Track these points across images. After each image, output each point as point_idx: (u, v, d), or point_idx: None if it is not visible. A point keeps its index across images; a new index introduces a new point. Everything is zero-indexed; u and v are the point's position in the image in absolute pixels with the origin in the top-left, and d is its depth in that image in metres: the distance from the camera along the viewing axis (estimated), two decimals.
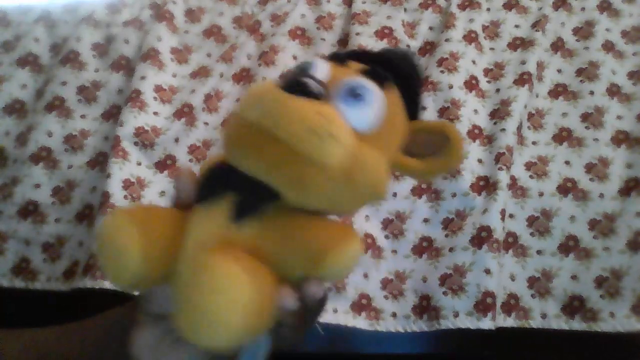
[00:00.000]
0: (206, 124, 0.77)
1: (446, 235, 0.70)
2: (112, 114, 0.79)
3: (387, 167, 0.35)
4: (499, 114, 0.75)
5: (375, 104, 0.34)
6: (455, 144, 0.36)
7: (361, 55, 0.38)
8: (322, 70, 0.34)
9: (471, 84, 0.77)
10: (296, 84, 0.32)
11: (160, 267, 0.32)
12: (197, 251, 0.31)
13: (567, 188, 0.72)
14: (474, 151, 0.73)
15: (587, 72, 0.79)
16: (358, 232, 0.35)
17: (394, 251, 0.70)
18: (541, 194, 0.72)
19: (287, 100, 0.31)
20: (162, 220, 0.34)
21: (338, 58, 0.36)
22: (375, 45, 0.81)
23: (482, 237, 0.66)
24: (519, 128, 0.74)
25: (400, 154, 0.36)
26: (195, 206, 0.34)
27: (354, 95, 0.33)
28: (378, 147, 0.34)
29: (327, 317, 0.65)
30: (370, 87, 0.34)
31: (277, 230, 0.32)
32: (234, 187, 0.33)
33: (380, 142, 0.34)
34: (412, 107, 0.38)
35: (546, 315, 0.66)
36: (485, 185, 0.71)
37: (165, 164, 0.75)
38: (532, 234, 0.70)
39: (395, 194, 0.72)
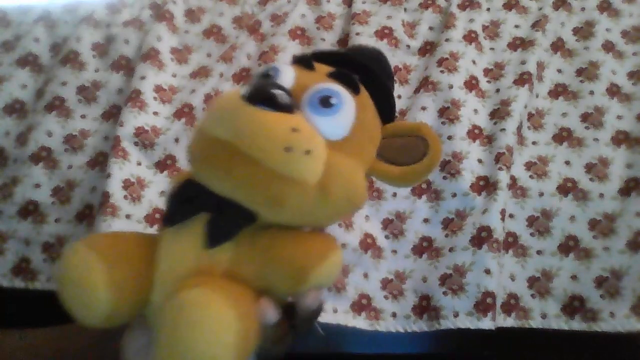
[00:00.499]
0: None
1: (446, 235, 0.70)
2: (112, 114, 0.79)
3: (362, 174, 0.34)
4: (499, 114, 0.75)
5: (347, 111, 0.32)
6: (433, 147, 0.34)
7: (326, 56, 0.36)
8: (287, 76, 0.32)
9: (471, 84, 0.77)
10: (263, 94, 0.30)
11: (131, 303, 0.31)
12: (173, 284, 0.29)
13: (567, 188, 0.72)
14: (474, 151, 0.73)
15: (587, 72, 0.79)
16: (334, 238, 0.34)
17: (394, 251, 0.70)
18: (541, 194, 0.72)
19: (257, 116, 0.29)
20: (129, 249, 0.32)
21: (303, 61, 0.34)
22: (376, 45, 0.81)
23: (482, 237, 0.66)
24: (519, 128, 0.74)
25: (376, 160, 0.35)
26: (164, 229, 0.32)
27: (325, 103, 0.31)
28: (352, 155, 0.32)
29: (327, 317, 0.65)
30: (341, 93, 0.32)
31: (255, 251, 0.31)
32: (206, 207, 0.31)
33: (354, 149, 0.33)
34: (385, 109, 0.36)
35: (546, 315, 0.66)
36: (485, 185, 0.71)
37: (165, 164, 0.75)
38: (532, 234, 0.70)
39: (395, 194, 0.72)
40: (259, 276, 0.31)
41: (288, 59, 0.80)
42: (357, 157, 0.33)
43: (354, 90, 0.33)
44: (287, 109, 0.30)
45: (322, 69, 0.34)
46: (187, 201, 0.32)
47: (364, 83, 0.35)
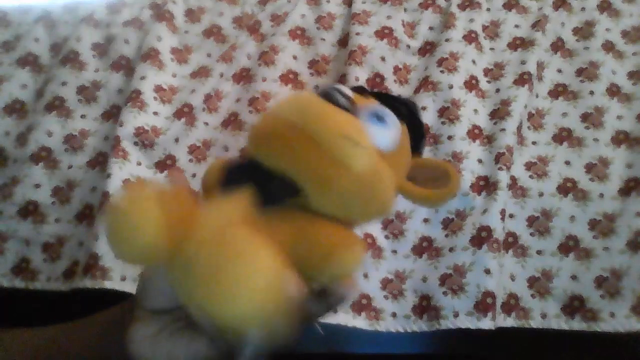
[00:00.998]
0: (206, 124, 0.77)
1: (446, 235, 0.70)
2: (112, 114, 0.79)
3: (395, 187, 0.38)
4: (499, 114, 0.75)
5: (395, 129, 0.38)
6: (455, 182, 0.40)
7: (379, 95, 0.41)
8: (348, 92, 0.38)
9: (471, 84, 0.77)
10: (329, 96, 0.36)
11: (170, 245, 0.30)
12: (216, 228, 0.30)
13: (567, 188, 0.72)
14: (474, 151, 0.73)
15: (587, 72, 0.79)
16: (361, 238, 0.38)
17: (394, 251, 0.70)
18: (541, 194, 0.72)
19: (325, 107, 0.35)
20: (181, 199, 0.32)
21: (358, 89, 0.40)
22: (375, 45, 0.81)
23: (482, 237, 0.67)
24: (519, 128, 0.74)
25: (405, 179, 0.40)
26: (216, 195, 0.34)
27: (379, 117, 0.37)
28: (392, 167, 0.37)
29: (327, 317, 0.65)
30: (392, 115, 0.38)
31: (293, 225, 0.34)
32: (257, 180, 0.34)
33: (394, 163, 0.38)
34: (417, 146, 0.42)
35: (546, 315, 0.66)
36: (485, 185, 0.71)
37: (165, 164, 0.75)
38: (532, 234, 0.70)
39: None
40: (289, 249, 0.32)
41: (288, 59, 0.80)
42: (395, 170, 0.38)
43: (400, 118, 0.39)
44: (348, 110, 0.36)
45: (373, 98, 0.40)
46: (240, 174, 0.35)
47: (405, 118, 0.40)
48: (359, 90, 0.40)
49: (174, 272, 0.30)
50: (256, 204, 0.32)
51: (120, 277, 0.66)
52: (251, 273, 0.27)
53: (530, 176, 0.73)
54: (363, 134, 0.35)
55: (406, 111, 0.41)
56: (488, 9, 0.85)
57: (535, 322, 0.66)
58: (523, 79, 0.77)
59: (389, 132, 0.37)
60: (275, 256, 0.28)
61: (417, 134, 0.42)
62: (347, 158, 0.33)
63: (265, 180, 0.34)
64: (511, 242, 0.70)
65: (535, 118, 0.77)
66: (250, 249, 0.27)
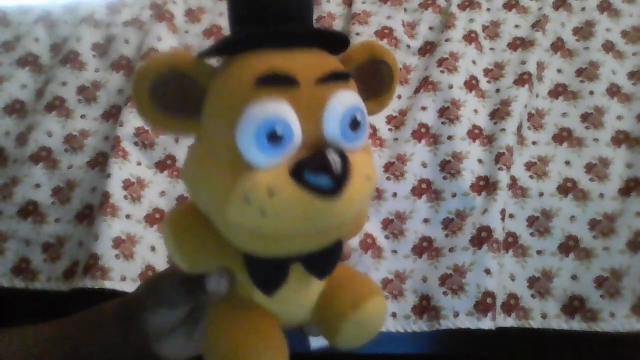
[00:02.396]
0: None
1: (446, 235, 0.70)
2: (112, 114, 0.79)
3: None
4: (499, 114, 0.75)
5: (366, 118, 0.31)
6: (392, 66, 0.35)
7: (265, 39, 0.30)
8: (293, 121, 0.28)
9: (471, 84, 0.77)
10: (323, 183, 0.27)
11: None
12: (311, 309, 0.36)
13: (567, 188, 0.72)
14: (474, 151, 0.73)
15: (587, 72, 0.79)
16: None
17: (394, 251, 0.70)
18: (541, 194, 0.72)
19: (346, 202, 0.28)
20: (265, 332, 0.33)
21: (280, 80, 0.29)
22: None
23: (482, 237, 0.66)
24: (519, 128, 0.74)
25: None
26: (251, 292, 0.34)
27: (354, 125, 0.30)
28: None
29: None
30: (357, 103, 0.31)
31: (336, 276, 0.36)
32: (295, 260, 0.33)
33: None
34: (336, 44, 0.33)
35: (546, 315, 0.66)
36: (485, 185, 0.71)
37: (165, 164, 0.75)
38: (532, 234, 0.70)
39: (395, 194, 0.72)
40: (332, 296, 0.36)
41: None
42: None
43: (346, 80, 0.31)
44: (350, 171, 0.28)
45: (301, 72, 0.29)
46: (272, 270, 0.33)
47: (314, 39, 0.31)
48: (282, 80, 0.28)
49: (332, 332, 0.35)
50: (321, 274, 0.34)
51: (120, 277, 0.66)
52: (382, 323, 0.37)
53: (530, 176, 0.73)
54: (373, 174, 0.31)
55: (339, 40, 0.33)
56: (488, 9, 0.85)
57: (535, 322, 0.66)
58: (523, 79, 0.77)
59: (365, 131, 0.31)
60: (382, 298, 0.37)
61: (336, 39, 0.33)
62: (369, 202, 0.36)
63: (309, 256, 0.32)
64: (511, 242, 0.70)
65: (535, 118, 0.77)
66: (383, 313, 0.37)
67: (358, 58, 0.34)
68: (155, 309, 0.38)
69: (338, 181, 0.27)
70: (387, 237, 0.71)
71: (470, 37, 0.80)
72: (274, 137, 0.27)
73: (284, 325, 0.34)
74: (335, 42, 0.33)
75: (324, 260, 0.33)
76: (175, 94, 0.30)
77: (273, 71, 0.28)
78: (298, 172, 0.27)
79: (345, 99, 0.30)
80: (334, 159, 0.27)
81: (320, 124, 0.29)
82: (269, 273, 0.32)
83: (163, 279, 0.39)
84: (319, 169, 0.27)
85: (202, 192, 0.31)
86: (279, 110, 0.28)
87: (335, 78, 0.30)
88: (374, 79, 0.35)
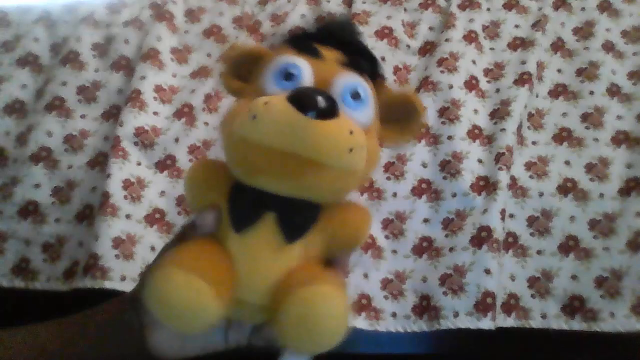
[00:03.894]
0: (206, 124, 0.77)
1: (446, 235, 0.70)
2: (112, 114, 0.79)
3: (378, 143, 0.39)
4: (499, 114, 0.75)
5: (371, 100, 0.37)
6: (420, 112, 0.40)
7: (316, 36, 0.39)
8: (307, 72, 0.36)
9: (471, 84, 0.77)
10: (314, 105, 0.32)
11: (228, 307, 0.33)
12: (261, 283, 0.34)
13: (567, 188, 0.72)
14: (474, 151, 0.73)
15: (587, 72, 0.79)
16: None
17: (394, 251, 0.70)
18: (541, 194, 0.72)
19: (321, 128, 0.32)
20: (212, 259, 0.34)
21: (309, 50, 0.37)
22: (375, 45, 0.81)
23: (482, 237, 0.66)
24: (519, 128, 0.74)
25: (379, 125, 0.39)
26: (230, 234, 0.35)
27: (356, 97, 0.36)
28: (373, 134, 0.37)
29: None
30: (366, 86, 0.37)
31: (321, 233, 0.36)
32: (271, 208, 0.34)
33: (374, 129, 0.38)
34: (374, 72, 0.40)
35: (546, 315, 0.66)
36: (485, 185, 0.71)
37: (165, 164, 0.75)
38: (532, 234, 0.70)
39: (395, 194, 0.72)
40: (323, 251, 0.37)
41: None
42: (375, 133, 0.38)
43: (364, 75, 0.37)
44: (336, 113, 0.33)
45: (328, 55, 0.37)
46: (249, 206, 0.35)
47: (351, 52, 0.38)
48: (310, 50, 0.37)
49: (277, 324, 0.33)
50: (289, 237, 0.35)
51: (120, 277, 0.66)
52: (337, 327, 0.33)
53: (530, 176, 0.73)
54: (359, 133, 0.34)
55: (365, 59, 0.39)
56: (488, 9, 0.85)
57: (535, 322, 0.66)
58: (523, 79, 0.77)
59: (368, 109, 0.37)
60: (347, 306, 0.34)
61: (372, 63, 0.40)
62: (357, 166, 0.34)
63: (282, 206, 0.34)
64: (511, 242, 0.70)
65: (535, 118, 0.77)
66: (333, 307, 0.33)
67: (394, 95, 0.40)
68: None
69: (320, 112, 0.32)
70: (387, 237, 0.71)
71: (470, 37, 0.80)
72: (287, 75, 0.35)
73: (241, 295, 0.34)
74: (364, 57, 0.39)
75: (296, 218, 0.35)
76: (248, 69, 0.39)
77: (306, 42, 0.37)
78: (292, 94, 0.33)
79: (354, 77, 0.36)
80: (323, 97, 0.33)
81: (329, 87, 0.35)
82: (244, 207, 0.35)
83: (157, 254, 0.41)
84: (308, 97, 0.33)
85: (226, 121, 0.36)
86: (297, 60, 0.36)
87: (353, 66, 0.37)
88: (403, 120, 0.40)
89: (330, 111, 0.33)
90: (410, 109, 0.40)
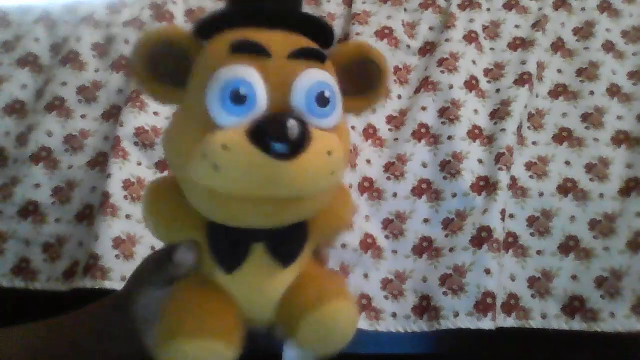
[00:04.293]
0: None
1: (446, 235, 0.70)
2: (112, 114, 0.79)
3: (345, 120, 0.35)
4: (499, 114, 0.75)
5: (337, 94, 0.32)
6: (382, 65, 0.35)
7: (244, 17, 0.32)
8: (258, 83, 0.29)
9: (471, 84, 0.77)
10: (277, 139, 0.27)
11: (240, 339, 0.33)
12: (269, 306, 0.33)
13: (567, 188, 0.72)
14: (474, 151, 0.73)
15: (587, 72, 0.79)
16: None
17: (394, 251, 0.70)
18: (541, 194, 0.72)
19: (298, 168, 0.28)
20: (213, 308, 0.32)
21: (252, 48, 0.30)
22: (375, 45, 0.81)
23: (482, 237, 0.66)
24: (519, 128, 0.74)
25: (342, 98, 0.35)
26: (219, 273, 0.33)
27: (321, 101, 0.30)
28: (342, 124, 0.33)
29: None
30: (327, 81, 0.31)
31: (308, 240, 0.35)
32: (258, 240, 0.32)
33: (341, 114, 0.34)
34: (323, 38, 0.34)
35: (546, 315, 0.66)
36: (485, 185, 0.71)
37: (165, 164, 0.75)
38: (532, 234, 0.70)
39: (395, 194, 0.72)
40: (312, 249, 0.36)
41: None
42: (343, 120, 0.34)
43: (322, 61, 0.32)
44: (310, 138, 0.28)
45: (273, 46, 0.30)
46: (233, 245, 0.32)
47: (293, 25, 0.33)
48: (254, 48, 0.30)
49: (295, 340, 0.33)
50: (285, 262, 0.33)
51: (120, 277, 0.66)
52: (353, 331, 0.34)
53: (530, 176, 0.73)
54: (337, 148, 0.30)
55: (322, 32, 0.34)
56: (488, 9, 0.85)
57: (535, 322, 0.66)
58: (523, 79, 0.77)
59: (337, 109, 0.31)
60: (355, 307, 0.34)
61: (316, 27, 0.34)
62: (338, 181, 0.32)
63: (272, 236, 0.32)
64: (511, 242, 0.70)
65: (535, 118, 0.77)
66: (349, 321, 0.33)
67: (346, 55, 0.35)
68: (139, 289, 0.38)
69: (293, 146, 0.27)
70: (387, 237, 0.71)
71: (470, 37, 0.80)
72: (237, 98, 0.28)
73: (247, 318, 0.33)
74: (316, 28, 0.34)
75: (286, 243, 0.33)
76: (169, 65, 0.32)
77: (246, 39, 0.30)
78: (254, 131, 0.28)
79: (315, 75, 0.30)
80: (292, 124, 0.28)
81: (288, 96, 0.30)
82: (229, 248, 0.32)
83: (144, 259, 0.40)
84: (276, 131, 0.27)
85: (173, 153, 0.32)
86: (245, 73, 0.29)
87: (307, 54, 0.31)
88: (365, 78, 0.36)
89: (302, 140, 0.28)
90: (368, 63, 0.35)
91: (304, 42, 0.32)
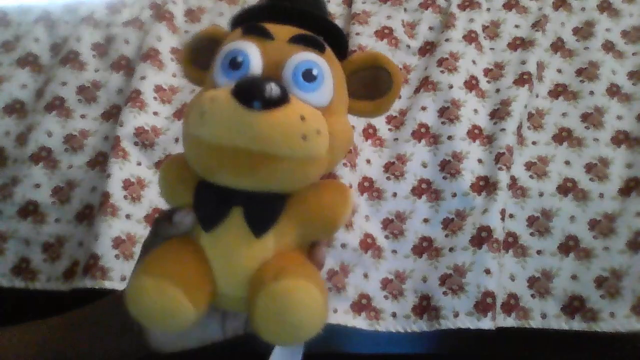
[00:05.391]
0: None
1: (446, 235, 0.70)
2: (112, 114, 0.79)
3: (348, 121, 0.37)
4: (499, 114, 0.75)
5: (327, 77, 0.35)
6: (395, 74, 0.38)
7: (263, 12, 0.37)
8: (255, 56, 0.34)
9: (471, 84, 0.77)
10: (260, 95, 0.31)
11: (207, 304, 0.34)
12: (238, 276, 0.34)
13: (567, 188, 0.72)
14: (474, 151, 0.73)
15: (587, 72, 0.79)
16: (342, 183, 0.42)
17: (394, 251, 0.70)
18: (541, 194, 0.72)
19: (268, 119, 0.31)
20: (184, 261, 0.34)
21: (258, 31, 0.35)
22: (375, 45, 0.81)
23: (482, 237, 0.66)
24: (519, 128, 0.74)
25: (350, 100, 0.38)
26: (201, 232, 0.35)
27: (308, 77, 0.34)
28: (338, 110, 0.36)
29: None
30: (318, 62, 0.35)
31: (292, 220, 0.35)
32: (235, 203, 0.34)
33: (338, 105, 0.36)
34: (338, 45, 0.38)
35: (546, 315, 0.66)
36: (485, 185, 0.71)
37: None
38: (532, 234, 0.70)
39: (395, 194, 0.72)
40: (299, 237, 0.36)
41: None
42: (341, 108, 0.37)
43: (320, 50, 0.35)
44: (285, 99, 0.32)
45: (279, 33, 0.35)
46: (214, 204, 0.34)
47: (310, 27, 0.36)
48: (259, 31, 0.35)
49: (250, 319, 0.33)
50: (258, 231, 0.34)
51: (120, 277, 0.66)
52: (312, 319, 0.32)
53: (530, 176, 0.73)
54: (312, 117, 0.32)
55: (324, 26, 0.37)
56: (488, 9, 0.85)
57: (535, 322, 0.66)
58: (523, 79, 0.77)
59: (324, 87, 0.34)
60: (322, 296, 0.33)
61: (340, 40, 0.38)
62: (313, 153, 0.33)
63: (247, 200, 0.33)
64: (511, 242, 0.70)
65: (535, 118, 0.77)
66: (302, 300, 0.32)
67: (361, 61, 0.38)
68: None
69: (265, 101, 0.31)
70: (387, 237, 0.71)
71: (470, 37, 0.80)
72: (234, 64, 0.34)
73: (220, 290, 0.34)
74: (333, 33, 0.37)
75: (262, 211, 0.34)
76: (207, 54, 0.37)
77: (254, 24, 0.35)
78: (237, 88, 0.31)
79: (306, 55, 0.34)
80: (270, 86, 0.31)
81: (280, 71, 0.34)
82: (210, 206, 0.34)
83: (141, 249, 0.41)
84: (253, 88, 0.31)
85: (183, 117, 0.35)
86: (244, 46, 0.34)
87: (306, 41, 0.35)
88: (378, 84, 0.38)
89: (277, 99, 0.31)
90: (381, 71, 0.38)
91: (305, 31, 0.36)
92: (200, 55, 0.38)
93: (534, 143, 0.76)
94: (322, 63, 0.35)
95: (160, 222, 0.38)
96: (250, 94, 0.31)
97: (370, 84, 0.38)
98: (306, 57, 0.34)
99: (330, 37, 0.37)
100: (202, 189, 0.35)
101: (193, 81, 0.39)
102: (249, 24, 0.35)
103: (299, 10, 0.36)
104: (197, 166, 0.34)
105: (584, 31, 0.82)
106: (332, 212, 0.36)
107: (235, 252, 0.34)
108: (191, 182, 0.35)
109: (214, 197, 0.34)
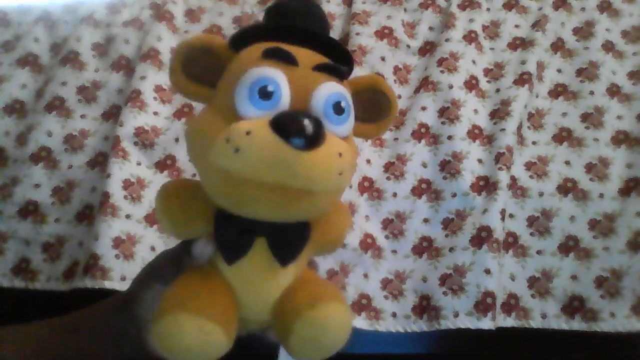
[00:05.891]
0: None
1: (446, 235, 0.70)
2: (112, 114, 0.79)
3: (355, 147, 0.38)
4: (499, 114, 0.75)
5: (352, 110, 0.35)
6: (392, 100, 0.39)
7: (278, 33, 0.36)
8: (284, 86, 0.33)
9: (471, 84, 0.77)
10: (301, 132, 0.30)
11: (234, 332, 0.34)
12: (266, 304, 0.35)
13: (567, 188, 0.72)
14: (474, 151, 0.73)
15: (587, 72, 0.79)
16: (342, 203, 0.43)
17: (394, 251, 0.70)
18: (541, 194, 0.72)
19: (310, 159, 0.30)
20: (214, 294, 0.34)
21: (283, 57, 0.33)
22: (375, 45, 0.81)
23: (482, 237, 0.66)
24: (519, 128, 0.74)
25: (355, 122, 0.38)
26: (222, 263, 0.34)
27: (338, 109, 0.34)
28: (350, 134, 0.37)
29: None
30: (344, 93, 0.35)
31: (308, 245, 0.36)
32: (261, 234, 0.34)
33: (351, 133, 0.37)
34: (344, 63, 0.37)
35: (546, 315, 0.66)
36: (485, 185, 0.71)
37: (165, 164, 0.75)
38: (532, 234, 0.70)
39: (395, 194, 0.72)
40: (310, 256, 0.37)
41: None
42: (351, 132, 0.37)
43: (341, 78, 0.35)
44: (324, 137, 0.31)
45: (301, 59, 0.34)
46: (237, 236, 0.34)
47: (317, 46, 0.36)
48: (284, 57, 0.34)
49: (287, 344, 0.34)
50: (284, 261, 0.34)
51: (120, 277, 0.66)
52: (346, 335, 0.35)
53: (530, 176, 0.73)
54: (347, 153, 0.33)
55: (338, 55, 0.37)
56: (488, 9, 0.85)
57: (535, 322, 0.66)
58: (523, 79, 0.77)
59: (350, 120, 0.35)
60: (348, 308, 0.35)
61: (349, 64, 0.38)
62: (345, 184, 0.34)
63: (275, 232, 0.33)
64: (511, 242, 0.70)
65: (535, 118, 0.77)
66: (342, 324, 0.35)
67: (362, 84, 0.39)
68: (143, 289, 0.38)
69: (309, 140, 0.30)
70: (387, 237, 0.71)
71: (470, 37, 0.80)
72: (264, 94, 0.32)
73: (243, 318, 0.35)
74: (338, 52, 0.37)
75: (288, 241, 0.34)
76: (202, 67, 0.35)
77: (278, 47, 0.34)
78: (276, 122, 0.30)
79: (334, 87, 0.34)
80: (310, 121, 0.31)
81: (309, 101, 0.33)
82: (234, 238, 0.34)
83: (156, 257, 0.40)
84: (295, 124, 0.30)
85: (196, 141, 0.34)
86: (274, 73, 0.32)
87: (329, 70, 0.35)
88: (375, 107, 0.39)
89: (318, 137, 0.31)
90: (380, 95, 0.39)
91: (325, 59, 0.36)
92: (191, 64, 0.36)
93: (534, 143, 0.76)
94: (346, 94, 0.35)
95: (174, 257, 0.37)
96: (293, 130, 0.30)
97: (368, 106, 0.38)
98: (333, 88, 0.34)
99: (339, 59, 0.37)
100: (223, 220, 0.34)
101: (182, 91, 0.37)
102: (271, 47, 0.34)
103: (314, 34, 0.36)
104: (223, 198, 0.33)
105: (584, 31, 0.82)
106: (341, 231, 0.39)
107: (261, 283, 0.34)
108: (206, 212, 0.34)
109: (236, 229, 0.33)
